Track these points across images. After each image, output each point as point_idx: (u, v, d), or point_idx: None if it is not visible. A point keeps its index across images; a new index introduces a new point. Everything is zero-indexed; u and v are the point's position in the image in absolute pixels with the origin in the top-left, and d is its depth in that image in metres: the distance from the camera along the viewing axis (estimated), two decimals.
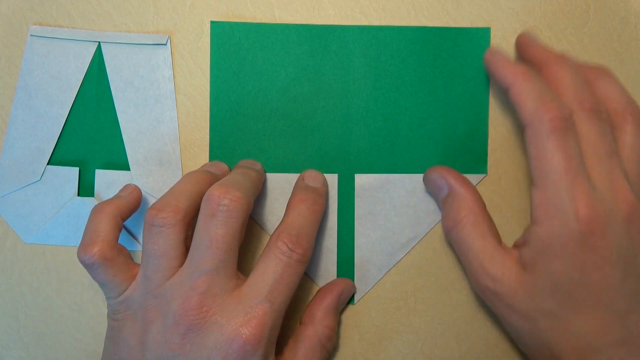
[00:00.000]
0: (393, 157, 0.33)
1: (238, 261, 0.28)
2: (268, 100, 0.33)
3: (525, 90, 0.27)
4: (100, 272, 0.28)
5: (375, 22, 0.33)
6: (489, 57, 0.30)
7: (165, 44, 0.33)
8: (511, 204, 0.33)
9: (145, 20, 0.33)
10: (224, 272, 0.27)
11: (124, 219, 0.30)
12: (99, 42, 0.33)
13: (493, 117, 0.33)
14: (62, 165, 0.33)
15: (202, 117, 0.33)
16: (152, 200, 0.33)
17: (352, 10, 0.33)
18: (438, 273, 0.33)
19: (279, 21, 0.33)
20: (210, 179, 0.30)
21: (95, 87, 0.33)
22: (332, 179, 0.33)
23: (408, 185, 0.33)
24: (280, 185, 0.33)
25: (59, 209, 0.33)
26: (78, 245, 0.29)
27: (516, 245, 0.29)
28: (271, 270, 0.27)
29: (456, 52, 0.33)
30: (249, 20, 0.33)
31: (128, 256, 0.29)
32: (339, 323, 0.33)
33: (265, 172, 0.33)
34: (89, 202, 0.33)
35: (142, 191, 0.32)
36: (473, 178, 0.33)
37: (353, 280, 0.33)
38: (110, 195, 0.32)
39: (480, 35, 0.33)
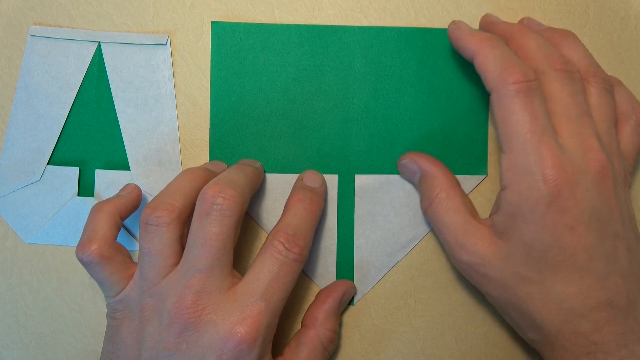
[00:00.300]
0: (393, 157, 0.33)
1: (236, 260, 0.28)
2: (268, 100, 0.33)
3: (489, 56, 0.28)
4: (98, 270, 0.28)
5: (375, 22, 0.33)
6: (452, 29, 0.30)
7: (165, 44, 0.33)
8: None
9: (145, 20, 0.33)
10: (219, 271, 0.27)
11: (123, 218, 0.30)
12: (99, 42, 0.33)
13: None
14: (62, 165, 0.33)
15: (202, 117, 0.33)
16: None
17: (352, 10, 0.33)
18: (438, 273, 0.33)
19: (279, 21, 0.33)
20: (207, 175, 0.30)
21: (95, 87, 0.33)
22: (332, 180, 0.33)
23: (408, 186, 0.33)
24: (280, 186, 0.33)
25: (59, 209, 0.33)
26: None
27: (490, 215, 0.29)
28: (267, 269, 0.27)
29: (456, 53, 0.33)
30: (249, 21, 0.33)
31: (126, 255, 0.29)
32: (339, 324, 0.33)
33: (265, 171, 0.33)
34: (89, 202, 0.33)
35: (142, 191, 0.32)
36: (473, 179, 0.33)
37: (353, 280, 0.33)
38: (110, 195, 0.32)
39: None
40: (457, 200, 0.30)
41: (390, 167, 0.33)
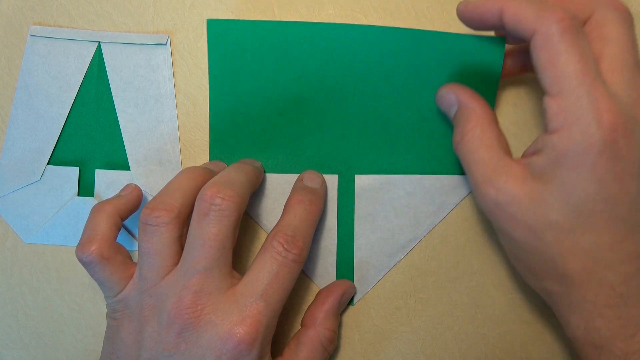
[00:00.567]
0: (393, 158, 0.33)
1: (236, 260, 0.28)
2: (268, 100, 0.33)
3: (521, 5, 0.26)
4: (98, 270, 0.28)
5: (375, 22, 0.33)
6: (463, 8, 0.28)
7: (165, 44, 0.33)
8: None
9: (145, 20, 0.33)
10: (218, 271, 0.27)
11: (124, 218, 0.30)
12: (99, 42, 0.33)
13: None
14: (62, 165, 0.33)
15: (202, 117, 0.33)
16: None
17: (352, 10, 0.33)
18: (438, 273, 0.33)
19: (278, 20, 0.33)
20: (206, 174, 0.30)
21: (95, 87, 0.33)
22: (332, 180, 0.33)
23: (408, 187, 0.33)
24: (280, 186, 0.33)
25: (59, 209, 0.33)
26: None
27: (525, 156, 0.28)
28: (266, 270, 0.27)
29: (456, 53, 0.33)
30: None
31: (126, 255, 0.29)
32: (339, 324, 0.33)
33: (265, 171, 0.33)
34: (89, 202, 0.33)
35: (142, 191, 0.32)
36: None
37: (352, 281, 0.33)
38: (110, 195, 0.32)
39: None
40: (492, 136, 0.28)
41: (390, 167, 0.33)
